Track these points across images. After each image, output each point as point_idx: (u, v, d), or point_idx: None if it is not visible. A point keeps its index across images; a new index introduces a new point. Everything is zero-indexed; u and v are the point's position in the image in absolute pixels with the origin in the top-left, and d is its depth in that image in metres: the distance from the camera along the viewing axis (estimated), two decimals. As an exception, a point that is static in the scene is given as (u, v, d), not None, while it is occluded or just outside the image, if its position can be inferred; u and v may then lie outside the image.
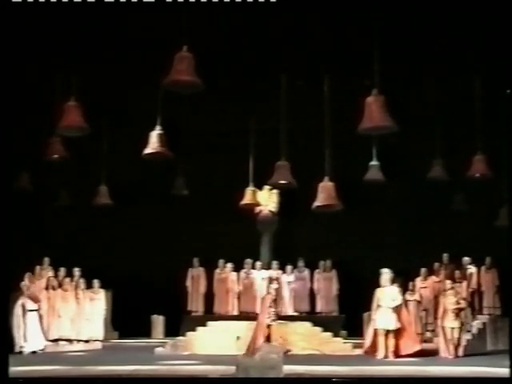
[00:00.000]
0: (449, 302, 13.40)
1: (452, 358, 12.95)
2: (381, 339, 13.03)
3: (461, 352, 13.18)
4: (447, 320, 13.27)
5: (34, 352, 14.04)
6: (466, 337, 14.03)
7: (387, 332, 13.01)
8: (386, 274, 13.46)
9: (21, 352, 13.91)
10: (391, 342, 12.97)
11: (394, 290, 13.38)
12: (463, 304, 13.60)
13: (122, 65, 13.55)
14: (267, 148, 15.81)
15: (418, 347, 13.18)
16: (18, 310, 14.18)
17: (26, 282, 14.56)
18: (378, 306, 13.23)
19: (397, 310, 13.18)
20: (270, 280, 15.20)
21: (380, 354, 12.97)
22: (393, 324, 13.03)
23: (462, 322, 13.39)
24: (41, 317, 14.49)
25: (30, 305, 14.32)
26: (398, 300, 13.29)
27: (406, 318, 13.46)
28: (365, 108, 12.09)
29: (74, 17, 11.45)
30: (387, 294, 13.27)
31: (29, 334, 14.13)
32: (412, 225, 17.63)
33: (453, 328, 13.19)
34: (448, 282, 14.03)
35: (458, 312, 13.28)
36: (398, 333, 13.08)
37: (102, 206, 16.81)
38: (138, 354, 14.17)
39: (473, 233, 16.52)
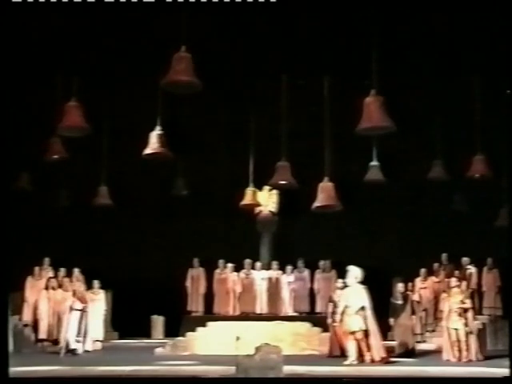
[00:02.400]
0: (454, 301, 12.84)
1: (456, 361, 12.36)
2: (350, 343, 12.32)
3: (479, 356, 12.49)
4: (451, 321, 12.71)
5: (75, 351, 14.03)
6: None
7: (354, 334, 12.20)
8: (351, 272, 12.60)
9: (73, 351, 13.96)
10: (361, 344, 12.18)
11: (360, 289, 12.46)
12: (468, 304, 12.93)
13: (121, 65, 13.54)
14: (267, 148, 15.82)
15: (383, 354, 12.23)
16: (66, 310, 14.35)
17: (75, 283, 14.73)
18: (346, 306, 12.48)
19: (364, 311, 12.31)
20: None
21: (350, 358, 12.18)
22: (358, 325, 12.19)
23: (467, 323, 12.67)
24: (87, 317, 14.49)
25: (77, 305, 14.35)
26: (364, 300, 12.34)
27: (374, 322, 12.44)
28: (363, 108, 12.10)
29: (73, 17, 11.44)
30: (353, 293, 12.44)
31: (74, 334, 14.15)
32: (412, 225, 17.63)
33: (457, 329, 12.59)
34: (453, 280, 13.54)
35: (461, 312, 12.69)
36: (367, 337, 12.21)
37: (102, 206, 16.79)
38: (137, 354, 14.20)
39: (473, 233, 16.52)
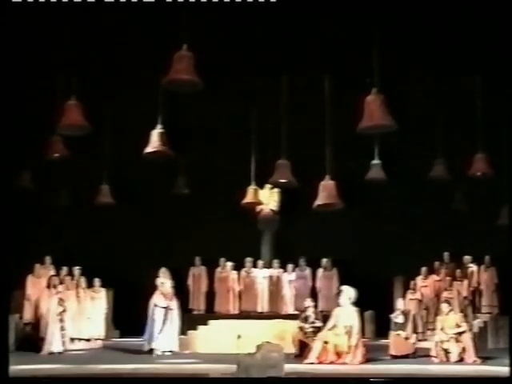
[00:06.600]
0: (448, 325, 12.31)
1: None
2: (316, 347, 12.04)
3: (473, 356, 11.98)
4: (447, 344, 12.10)
5: (154, 351, 13.71)
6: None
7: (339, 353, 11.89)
8: (345, 292, 12.41)
9: (151, 351, 13.71)
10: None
11: (352, 311, 12.21)
12: (464, 326, 12.40)
13: (122, 64, 13.55)
14: (268, 147, 15.82)
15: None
16: (150, 306, 14.04)
17: (161, 280, 14.23)
18: (334, 326, 12.13)
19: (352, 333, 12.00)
20: None
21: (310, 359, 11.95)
22: (345, 345, 11.85)
23: (464, 347, 12.03)
24: (172, 315, 14.10)
25: (162, 302, 14.05)
26: (353, 322, 12.07)
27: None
28: (364, 107, 12.09)
29: (74, 16, 11.46)
30: (344, 314, 12.18)
31: (155, 333, 13.85)
32: (413, 223, 17.60)
33: (450, 352, 12.07)
34: (445, 305, 12.90)
35: (458, 337, 12.15)
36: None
37: (104, 205, 16.79)
38: (139, 352, 14.18)
39: (473, 232, 16.51)
